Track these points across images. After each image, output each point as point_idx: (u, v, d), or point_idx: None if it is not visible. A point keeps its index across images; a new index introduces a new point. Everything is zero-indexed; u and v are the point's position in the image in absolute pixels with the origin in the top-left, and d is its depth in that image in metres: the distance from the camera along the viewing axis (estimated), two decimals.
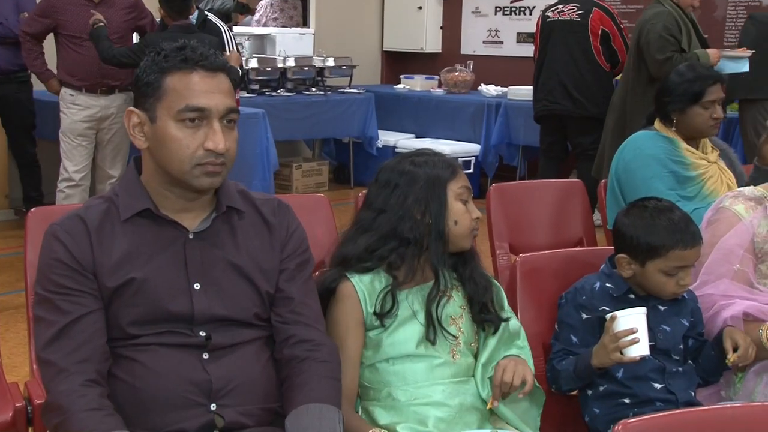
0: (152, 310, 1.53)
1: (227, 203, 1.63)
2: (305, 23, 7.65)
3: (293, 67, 6.65)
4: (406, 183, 1.78)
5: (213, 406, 1.54)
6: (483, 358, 1.81)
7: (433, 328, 1.77)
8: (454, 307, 1.82)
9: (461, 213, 1.80)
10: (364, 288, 1.77)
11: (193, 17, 4.86)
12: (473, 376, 1.81)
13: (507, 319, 1.85)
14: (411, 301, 1.78)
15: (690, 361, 2.00)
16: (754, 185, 2.20)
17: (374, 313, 1.76)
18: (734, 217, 2.10)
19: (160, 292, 1.54)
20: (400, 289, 1.77)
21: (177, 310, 1.54)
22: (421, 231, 1.76)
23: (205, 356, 1.56)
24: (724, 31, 6.28)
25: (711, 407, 1.36)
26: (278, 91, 6.56)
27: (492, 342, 1.82)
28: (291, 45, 6.74)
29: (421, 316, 1.77)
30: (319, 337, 1.65)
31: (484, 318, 1.83)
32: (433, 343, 1.77)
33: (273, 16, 7.38)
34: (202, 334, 1.56)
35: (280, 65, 6.59)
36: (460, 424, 1.73)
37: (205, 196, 1.61)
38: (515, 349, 1.83)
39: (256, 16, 7.40)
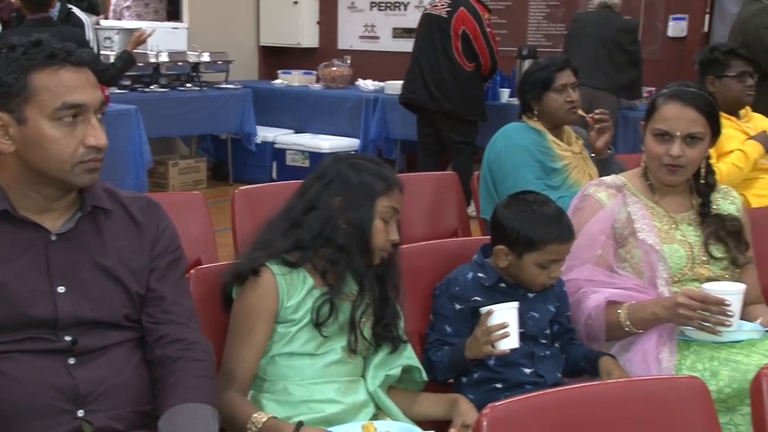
0: (12, 316, 1.47)
1: (93, 203, 1.59)
2: (177, 17, 7.47)
3: (167, 62, 6.48)
4: (339, 184, 1.78)
5: (80, 413, 1.49)
6: (376, 360, 1.85)
7: (355, 338, 1.79)
8: (364, 315, 1.84)
9: (379, 231, 1.79)
10: (284, 282, 1.76)
11: (56, 10, 4.65)
12: (363, 376, 1.85)
13: (406, 342, 1.89)
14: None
15: (557, 344, 2.08)
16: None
17: (314, 323, 1.74)
18: (597, 205, 2.19)
19: (19, 297, 1.48)
20: (339, 299, 1.77)
21: (39, 314, 1.49)
22: (348, 238, 1.75)
23: (71, 361, 1.51)
24: None
25: (571, 387, 1.43)
26: (151, 86, 6.39)
27: (386, 348, 1.86)
28: (164, 39, 6.55)
29: (338, 319, 1.78)
30: (193, 335, 1.63)
31: (384, 335, 1.85)
32: (355, 352, 1.79)
33: (125, 4, 7.11)
34: (68, 338, 1.51)
35: (152, 60, 6.41)
36: (351, 421, 1.75)
37: (69, 195, 1.56)
38: (403, 359, 1.88)
39: (112, 5, 7.15)
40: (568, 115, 3.03)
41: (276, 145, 6.86)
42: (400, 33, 7.41)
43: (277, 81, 7.52)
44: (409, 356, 1.90)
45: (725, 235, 2.18)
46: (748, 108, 3.43)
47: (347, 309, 1.81)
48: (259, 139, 6.82)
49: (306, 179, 1.86)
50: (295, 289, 1.77)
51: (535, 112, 3.03)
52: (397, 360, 1.86)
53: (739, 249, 2.17)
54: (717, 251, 2.16)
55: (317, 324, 1.76)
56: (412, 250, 2.17)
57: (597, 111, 3.02)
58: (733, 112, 3.32)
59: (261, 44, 8.03)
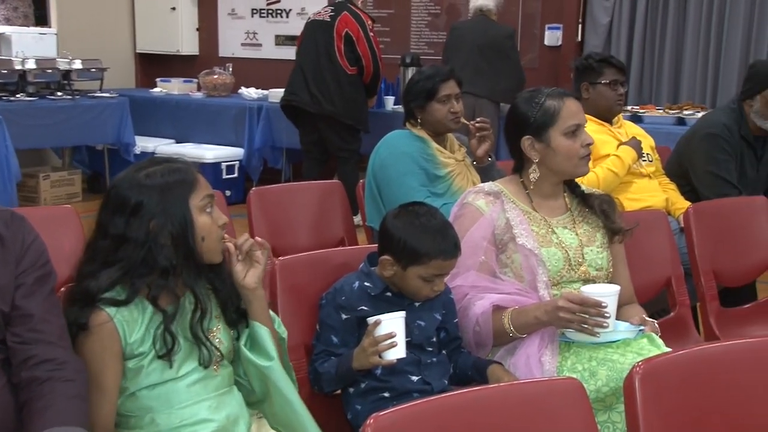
0: None
1: None
2: (45, 22, 7.16)
3: (34, 69, 6.21)
4: (146, 208, 1.65)
5: None
6: (243, 340, 1.80)
7: (206, 349, 1.72)
8: (211, 320, 1.78)
9: (207, 227, 1.71)
10: (121, 319, 1.66)
11: None
12: (237, 376, 1.81)
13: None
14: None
15: (443, 352, 2.11)
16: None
17: (158, 356, 1.67)
18: (477, 212, 2.24)
19: None
20: (181, 319, 1.70)
21: None
22: (173, 256, 1.67)
23: None
24: None
25: (454, 393, 1.45)
26: (17, 95, 6.09)
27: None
28: (30, 45, 6.28)
29: (182, 338, 1.71)
30: (63, 354, 1.56)
31: (240, 318, 1.81)
32: (207, 366, 1.73)
33: None
34: None
35: (18, 67, 6.13)
36: None
37: None
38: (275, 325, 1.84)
39: None
40: (452, 124, 3.09)
41: (157, 156, 6.68)
42: (282, 40, 7.38)
43: (156, 89, 7.34)
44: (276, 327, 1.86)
45: (607, 207, 2.29)
46: (620, 116, 3.59)
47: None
48: (138, 150, 6.61)
49: (100, 214, 1.70)
50: (135, 323, 1.68)
51: (419, 120, 3.08)
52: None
53: (615, 218, 2.29)
54: (592, 223, 2.28)
55: (161, 356, 1.68)
56: (297, 260, 2.16)
57: (478, 119, 3.10)
58: (606, 119, 3.47)
59: (138, 51, 7.83)
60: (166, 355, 1.68)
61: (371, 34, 5.63)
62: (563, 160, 2.22)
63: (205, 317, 1.74)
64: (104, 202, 1.70)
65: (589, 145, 2.23)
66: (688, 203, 3.33)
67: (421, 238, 1.99)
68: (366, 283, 2.03)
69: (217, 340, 1.77)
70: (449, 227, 2.05)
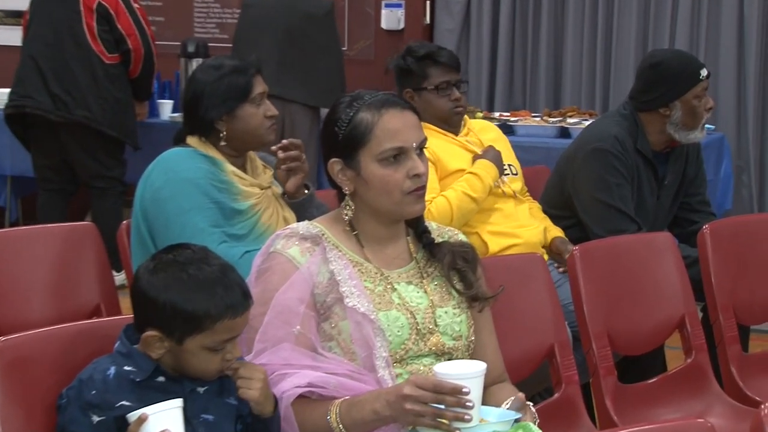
0: None
1: None
2: None
3: None
4: None
5: None
6: None
7: None
8: None
9: None
10: None
11: None
12: None
13: None
14: None
15: None
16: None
17: None
18: (289, 264, 2.24)
19: None
20: None
21: None
22: None
23: None
24: None
25: None
26: None
27: None
28: None
29: None
30: None
31: None
32: None
33: None
34: None
35: None
36: None
37: None
38: None
39: None
40: (269, 134, 3.10)
41: None
42: (1, 18, 7.15)
43: None
44: None
45: (464, 264, 2.34)
46: (466, 117, 3.71)
47: None
48: None
49: None
50: None
51: (222, 135, 3.05)
52: None
53: (473, 280, 2.35)
54: (461, 286, 2.33)
55: None
56: (26, 341, 2.12)
57: (283, 143, 3.11)
58: (449, 129, 3.58)
59: None
60: None
61: (136, 5, 5.58)
62: (379, 195, 2.27)
63: None
64: None
65: (418, 176, 2.26)
66: (559, 233, 3.48)
67: (194, 296, 1.99)
68: (126, 367, 2.01)
69: None
70: (229, 271, 2.07)
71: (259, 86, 3.09)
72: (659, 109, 3.66)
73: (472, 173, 3.45)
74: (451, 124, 3.60)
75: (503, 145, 3.72)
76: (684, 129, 3.64)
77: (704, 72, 3.68)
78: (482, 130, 3.76)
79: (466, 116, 3.74)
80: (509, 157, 3.70)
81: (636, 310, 3.10)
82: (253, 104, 3.07)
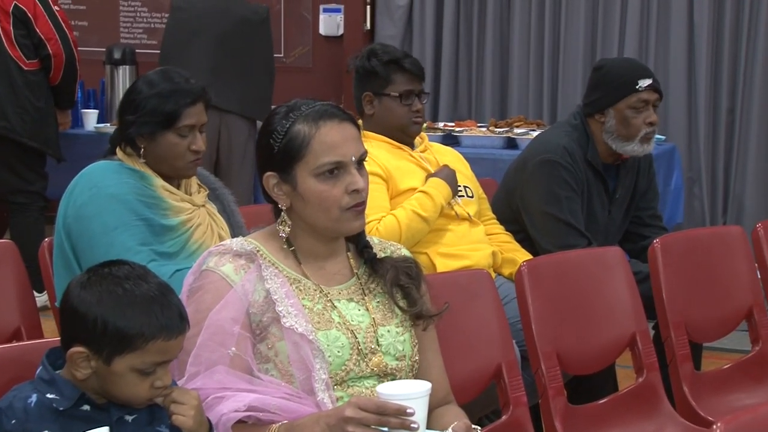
0: None
1: None
2: None
3: None
4: None
5: None
6: None
7: None
8: None
9: None
10: None
11: None
12: None
13: None
14: None
15: None
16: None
17: None
18: (222, 282, 2.24)
19: None
20: None
21: None
22: None
23: None
24: None
25: None
26: None
27: None
28: None
29: None
30: None
31: None
32: None
33: None
34: None
35: None
36: None
37: None
38: None
39: None
40: (189, 168, 3.10)
41: None
42: None
43: None
44: None
45: (407, 280, 2.35)
46: (423, 135, 3.74)
47: None
48: None
49: None
50: None
51: (141, 152, 3.04)
52: None
53: (417, 297, 2.36)
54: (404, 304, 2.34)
55: None
56: None
57: None
58: (404, 141, 3.60)
59: None
60: None
61: (56, 8, 5.54)
62: (316, 211, 2.27)
63: None
64: None
65: (357, 191, 2.26)
66: (526, 255, 3.50)
67: (128, 312, 1.98)
68: (49, 395, 1.99)
69: None
70: (167, 292, 2.06)
71: (191, 117, 3.05)
72: (595, 114, 3.70)
73: (423, 192, 3.46)
74: (408, 134, 3.61)
75: (461, 167, 3.72)
76: (619, 139, 3.67)
77: (644, 83, 3.67)
78: (442, 152, 3.78)
79: (424, 134, 3.75)
80: (467, 179, 3.71)
81: (586, 328, 3.13)
82: (177, 134, 3.04)
